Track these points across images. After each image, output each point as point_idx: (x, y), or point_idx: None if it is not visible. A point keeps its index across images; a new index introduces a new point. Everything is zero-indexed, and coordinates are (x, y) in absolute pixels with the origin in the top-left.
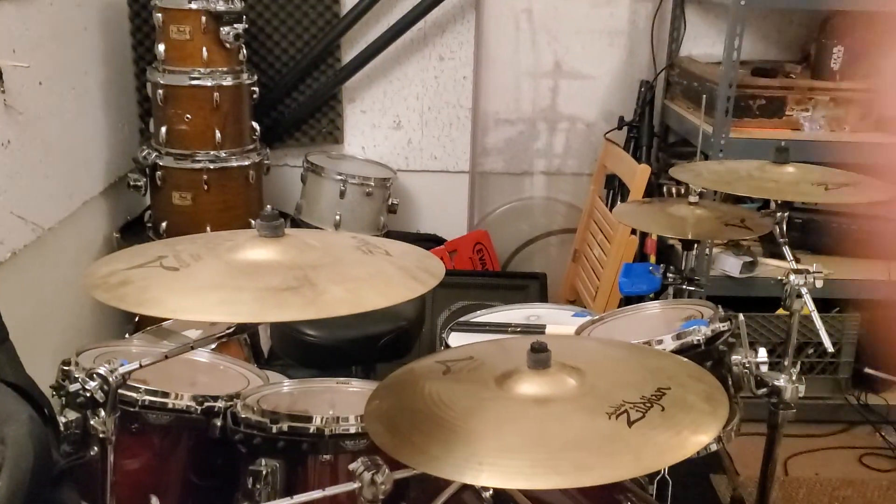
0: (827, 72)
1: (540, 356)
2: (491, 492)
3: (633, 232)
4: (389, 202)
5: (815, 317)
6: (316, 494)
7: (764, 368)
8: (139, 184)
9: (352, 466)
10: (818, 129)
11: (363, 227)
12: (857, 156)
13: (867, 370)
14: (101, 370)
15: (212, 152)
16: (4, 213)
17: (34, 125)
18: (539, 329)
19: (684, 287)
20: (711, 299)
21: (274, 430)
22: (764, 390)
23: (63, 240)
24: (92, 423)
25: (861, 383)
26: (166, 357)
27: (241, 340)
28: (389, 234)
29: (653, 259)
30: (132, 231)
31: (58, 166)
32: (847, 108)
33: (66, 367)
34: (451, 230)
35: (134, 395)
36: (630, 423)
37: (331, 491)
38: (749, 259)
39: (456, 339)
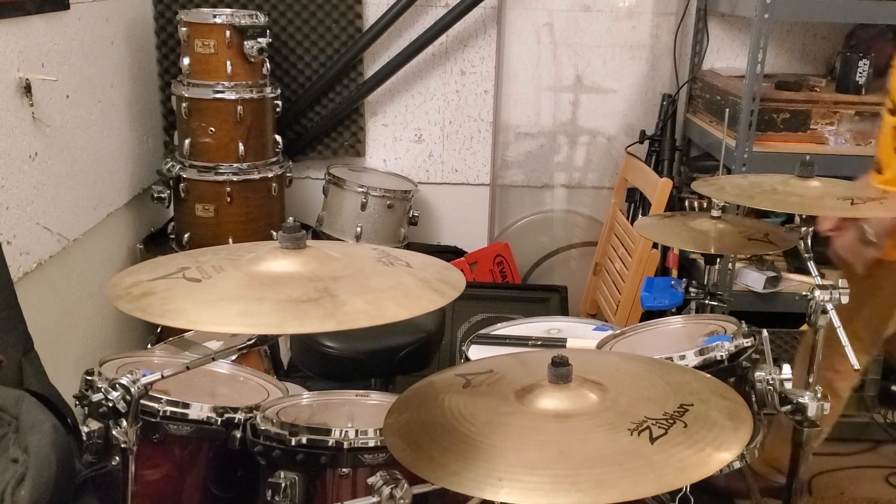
0: (852, 85)
1: (561, 370)
2: None
3: (655, 246)
4: (410, 214)
5: (841, 333)
6: None
7: (788, 385)
8: (163, 196)
9: (371, 480)
10: (843, 143)
11: (384, 239)
12: None
13: (894, 388)
14: (124, 380)
15: (235, 165)
16: (31, 223)
17: (61, 138)
18: (560, 343)
19: (707, 302)
20: (734, 314)
21: (293, 443)
22: (788, 407)
23: (88, 251)
24: (114, 433)
25: (887, 401)
26: (188, 368)
27: (261, 352)
28: (410, 246)
29: (675, 273)
30: (155, 242)
31: (83, 178)
32: (873, 121)
33: (89, 377)
34: (472, 242)
35: (155, 405)
36: (652, 440)
37: None
38: (773, 274)
39: (476, 351)
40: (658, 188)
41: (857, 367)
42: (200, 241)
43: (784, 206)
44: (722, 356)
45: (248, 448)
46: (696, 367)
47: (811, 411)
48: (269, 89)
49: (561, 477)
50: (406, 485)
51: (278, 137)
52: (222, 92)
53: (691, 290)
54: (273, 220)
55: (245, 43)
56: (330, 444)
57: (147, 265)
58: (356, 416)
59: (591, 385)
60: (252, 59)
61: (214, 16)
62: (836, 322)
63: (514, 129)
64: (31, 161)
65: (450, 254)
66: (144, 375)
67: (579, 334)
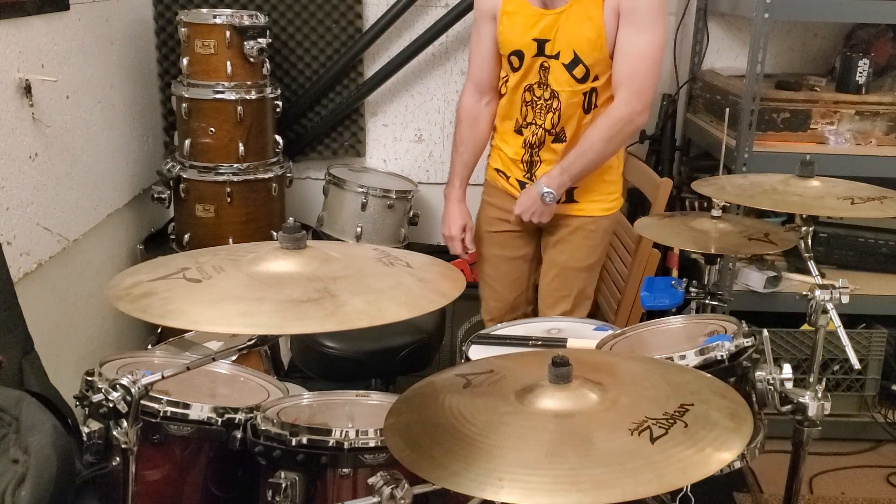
0: (852, 85)
1: (561, 370)
2: None
3: (656, 246)
4: (411, 214)
5: (841, 333)
6: None
7: (789, 385)
8: (163, 196)
9: (371, 481)
10: (843, 142)
11: (384, 239)
12: (883, 170)
13: (894, 387)
14: (124, 381)
15: (235, 165)
16: (31, 224)
17: (61, 138)
18: (560, 343)
19: (707, 301)
20: (735, 314)
21: (293, 443)
22: (789, 407)
23: (88, 251)
24: (114, 433)
25: (888, 401)
26: (188, 368)
27: (262, 352)
28: (410, 246)
29: (675, 273)
30: (155, 243)
31: (84, 179)
32: (873, 121)
33: (89, 378)
34: None
35: (156, 406)
36: (653, 440)
37: None
38: (773, 274)
39: (476, 351)
40: (659, 188)
41: (857, 366)
42: (201, 241)
43: (784, 205)
44: (722, 356)
45: (248, 448)
46: (696, 367)
47: (811, 411)
48: (269, 89)
49: (561, 477)
50: (407, 485)
51: (278, 138)
52: (222, 92)
53: (692, 289)
54: (273, 220)
55: (245, 43)
56: (330, 444)
57: (147, 266)
58: (357, 416)
59: (591, 385)
60: (252, 60)
61: (214, 16)
62: (837, 322)
63: None
64: (31, 161)
65: (450, 254)
66: (145, 376)
67: (579, 334)
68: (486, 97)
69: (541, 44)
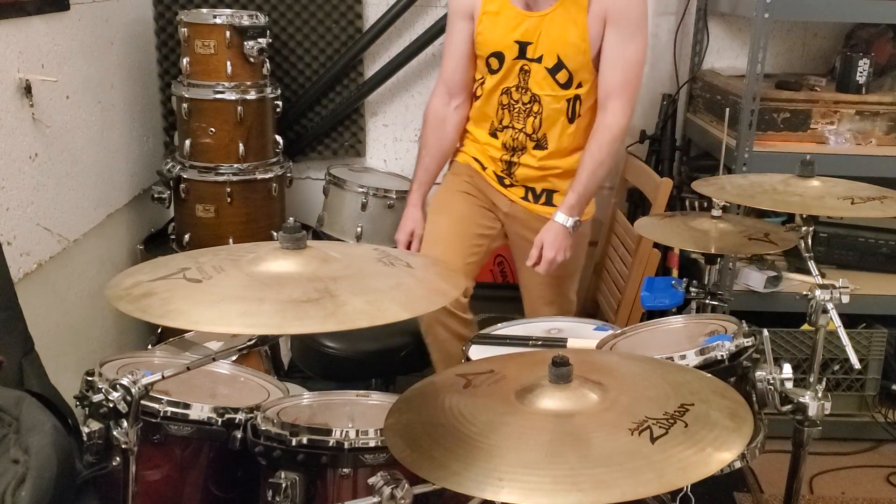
0: (852, 85)
1: (561, 370)
2: None
3: (656, 246)
4: None
5: (842, 333)
6: None
7: (789, 385)
8: (163, 196)
9: (371, 481)
10: (843, 142)
11: (384, 239)
12: (883, 169)
13: (895, 387)
14: (124, 381)
15: (235, 165)
16: (31, 224)
17: (61, 138)
18: (560, 342)
19: (707, 301)
20: (735, 314)
21: (293, 443)
22: (789, 407)
23: (88, 251)
24: (115, 433)
25: (888, 400)
26: (188, 368)
27: (262, 352)
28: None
29: (675, 273)
30: (155, 243)
31: (84, 179)
32: (873, 121)
33: (89, 378)
34: None
35: (156, 406)
36: (653, 440)
37: None
38: (773, 274)
39: (476, 351)
40: (659, 188)
41: (857, 366)
42: (201, 241)
43: (784, 205)
44: (722, 356)
45: (248, 448)
46: (696, 367)
47: (811, 411)
48: (269, 90)
49: (561, 477)
50: (407, 485)
51: (278, 138)
52: (222, 92)
53: (692, 289)
54: (273, 220)
55: (245, 43)
56: (330, 444)
57: (147, 266)
58: (357, 416)
59: (591, 385)
60: (252, 60)
61: (214, 16)
62: (837, 322)
63: None
64: (31, 162)
65: None
66: (145, 376)
67: (580, 334)
68: (457, 100)
69: (523, 46)
